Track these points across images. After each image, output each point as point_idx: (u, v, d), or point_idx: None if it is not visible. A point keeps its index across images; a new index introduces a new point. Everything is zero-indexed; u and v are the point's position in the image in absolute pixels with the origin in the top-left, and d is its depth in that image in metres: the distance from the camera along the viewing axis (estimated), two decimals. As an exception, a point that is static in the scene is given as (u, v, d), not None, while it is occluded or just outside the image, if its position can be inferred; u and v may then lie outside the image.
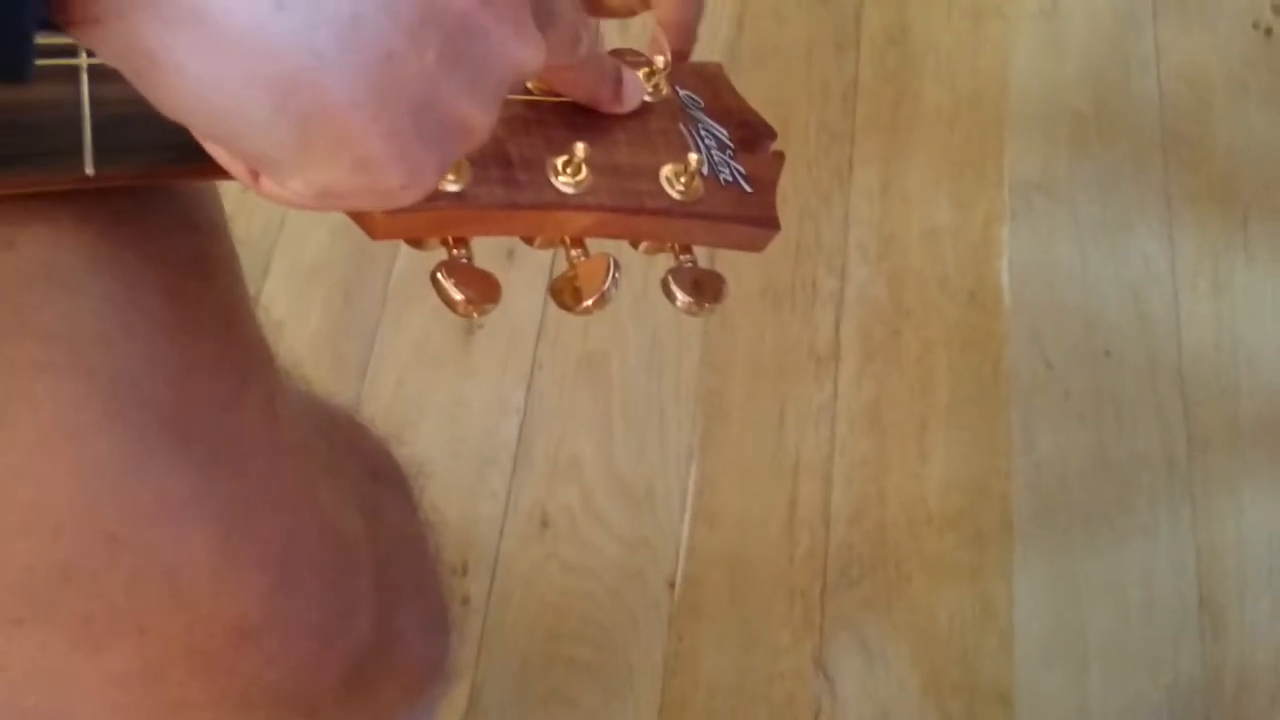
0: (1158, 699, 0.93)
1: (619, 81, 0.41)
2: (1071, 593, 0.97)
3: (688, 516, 0.97)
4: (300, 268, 1.05)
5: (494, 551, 0.95)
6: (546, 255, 1.05)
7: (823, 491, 0.99)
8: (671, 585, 0.95)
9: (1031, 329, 1.08)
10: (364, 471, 0.49)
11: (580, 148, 0.39)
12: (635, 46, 0.45)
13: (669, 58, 0.43)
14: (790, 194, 1.11)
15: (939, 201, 1.14)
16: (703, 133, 0.43)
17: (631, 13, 0.44)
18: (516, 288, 1.05)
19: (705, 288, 0.41)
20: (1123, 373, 1.07)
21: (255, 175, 0.31)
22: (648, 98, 0.43)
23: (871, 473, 1.01)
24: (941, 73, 1.22)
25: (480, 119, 0.31)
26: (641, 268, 1.11)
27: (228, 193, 0.43)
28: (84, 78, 0.35)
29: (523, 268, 1.04)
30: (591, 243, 0.41)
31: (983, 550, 0.98)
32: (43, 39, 0.36)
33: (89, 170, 0.34)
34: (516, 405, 1.01)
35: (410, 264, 1.05)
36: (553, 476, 0.98)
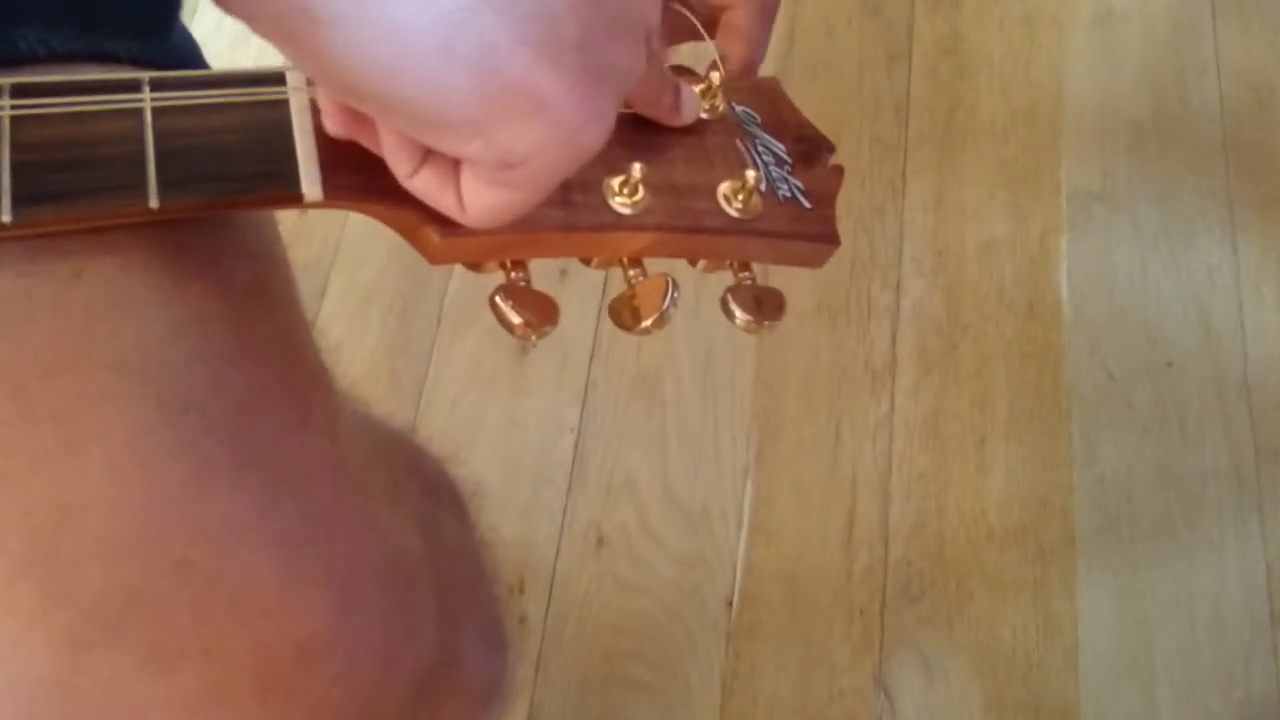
0: (1228, 716, 0.91)
1: (678, 93, 0.41)
2: (1138, 608, 0.95)
3: (744, 534, 0.97)
4: (357, 290, 1.07)
5: (550, 571, 0.95)
6: (599, 274, 1.05)
7: (881, 507, 0.98)
8: (729, 603, 0.94)
9: (1092, 341, 1.06)
10: (422, 492, 0.50)
11: (637, 168, 0.39)
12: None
13: (724, 74, 0.43)
14: (843, 208, 1.10)
15: (995, 213, 1.13)
16: (760, 149, 0.43)
17: (696, 36, 0.44)
18: (569, 307, 1.05)
19: (765, 305, 0.41)
20: (1186, 384, 1.05)
21: (456, 195, 0.32)
22: (704, 115, 0.43)
23: (930, 488, 0.99)
24: (995, 83, 1.21)
25: (630, 60, 0.32)
26: (694, 285, 1.11)
27: (285, 218, 0.44)
28: (147, 114, 0.35)
29: (576, 287, 1.04)
30: (649, 261, 0.41)
31: (1045, 566, 0.97)
32: (106, 75, 0.37)
33: (153, 203, 0.34)
34: (571, 424, 1.01)
35: (464, 285, 1.06)
36: (608, 495, 0.98)
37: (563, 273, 1.03)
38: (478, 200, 0.33)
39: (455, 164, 0.33)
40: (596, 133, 0.31)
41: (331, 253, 1.08)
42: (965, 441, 1.02)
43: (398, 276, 1.07)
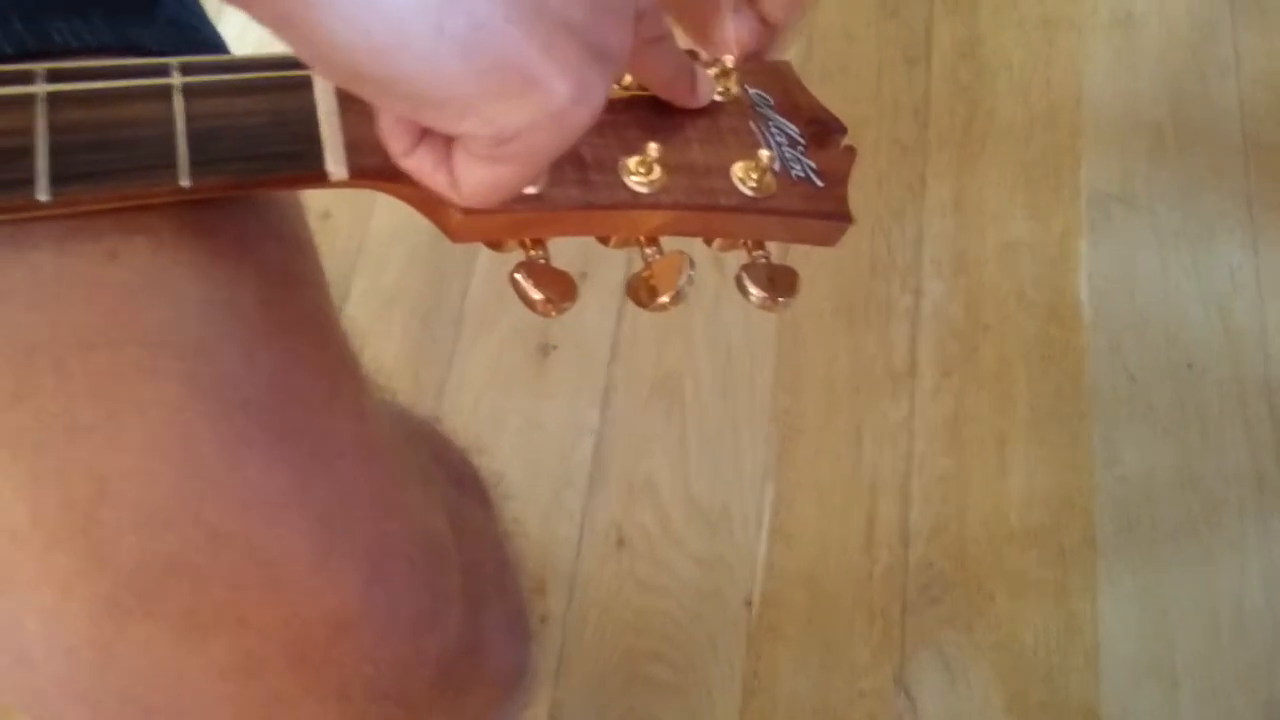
0: (1252, 718, 0.91)
1: (694, 75, 0.41)
2: (1159, 610, 0.95)
3: (764, 535, 0.97)
4: (379, 293, 1.07)
5: (571, 571, 0.95)
6: (619, 277, 1.05)
7: (901, 509, 0.98)
8: (749, 605, 0.94)
9: (1112, 342, 1.06)
10: (448, 478, 0.50)
11: (653, 147, 0.40)
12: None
13: (737, 57, 0.44)
14: (863, 210, 1.11)
15: (1015, 215, 1.13)
16: (773, 129, 0.44)
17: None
18: (589, 309, 1.06)
19: (779, 282, 0.42)
20: (1207, 385, 1.04)
21: (450, 174, 0.33)
22: (718, 97, 0.44)
23: (951, 489, 0.99)
24: (1014, 85, 1.21)
25: (618, 41, 0.33)
26: (714, 286, 1.11)
27: (308, 215, 0.45)
28: (178, 96, 0.36)
29: (595, 288, 1.05)
30: (666, 241, 0.42)
31: (1066, 567, 0.96)
32: (136, 61, 0.37)
33: (185, 182, 0.35)
34: (591, 426, 1.01)
35: (485, 287, 1.07)
36: (628, 497, 0.98)
37: (583, 275, 1.03)
38: (470, 177, 0.34)
39: (448, 144, 0.34)
40: (586, 111, 0.32)
41: (354, 256, 1.08)
42: (986, 443, 1.01)
43: (419, 279, 1.08)
